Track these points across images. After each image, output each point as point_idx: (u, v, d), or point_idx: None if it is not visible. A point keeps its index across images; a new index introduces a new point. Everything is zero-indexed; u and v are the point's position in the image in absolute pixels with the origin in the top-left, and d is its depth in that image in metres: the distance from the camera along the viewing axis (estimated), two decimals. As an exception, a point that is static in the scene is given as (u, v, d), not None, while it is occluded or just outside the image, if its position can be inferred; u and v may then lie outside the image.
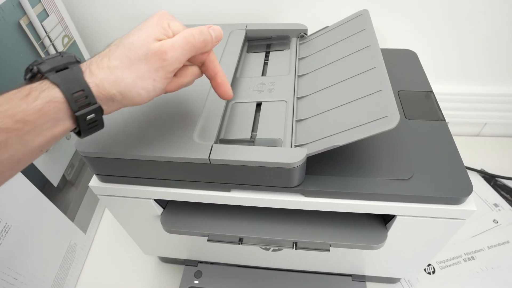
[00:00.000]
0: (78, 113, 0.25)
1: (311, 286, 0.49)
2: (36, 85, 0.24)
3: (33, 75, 0.26)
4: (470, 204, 0.33)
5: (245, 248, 0.45)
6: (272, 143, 0.34)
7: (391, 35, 0.59)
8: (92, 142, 0.34)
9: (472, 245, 0.55)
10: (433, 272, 0.53)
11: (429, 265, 0.53)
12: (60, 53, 0.27)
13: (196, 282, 0.50)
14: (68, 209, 0.53)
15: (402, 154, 0.36)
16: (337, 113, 0.34)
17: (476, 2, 0.54)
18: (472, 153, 0.68)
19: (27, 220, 0.45)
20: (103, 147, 0.33)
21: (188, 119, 0.36)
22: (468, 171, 0.38)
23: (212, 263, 0.52)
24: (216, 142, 0.33)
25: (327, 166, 0.35)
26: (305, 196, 0.34)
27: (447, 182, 0.33)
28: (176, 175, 0.34)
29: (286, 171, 0.31)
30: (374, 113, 0.30)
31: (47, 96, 0.24)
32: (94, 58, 0.27)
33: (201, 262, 0.52)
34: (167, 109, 0.37)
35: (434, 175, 0.34)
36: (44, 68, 0.25)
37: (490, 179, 0.64)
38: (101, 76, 0.26)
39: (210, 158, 0.31)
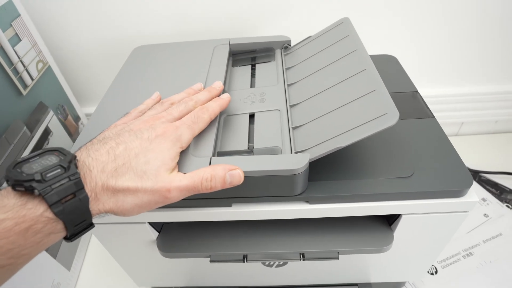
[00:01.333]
0: (72, 234, 0.24)
1: (318, 300, 0.47)
2: (34, 216, 0.22)
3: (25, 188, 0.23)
4: (471, 195, 0.33)
5: (247, 266, 0.43)
6: (271, 151, 0.33)
7: (370, 42, 0.61)
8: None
9: (468, 241, 0.56)
10: (436, 272, 0.52)
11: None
12: (63, 166, 0.23)
13: (196, 309, 0.47)
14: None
15: (400, 153, 0.36)
16: (334, 117, 0.33)
17: (449, 4, 0.57)
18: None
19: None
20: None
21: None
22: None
23: (212, 287, 0.49)
24: (214, 155, 0.32)
25: (328, 171, 0.34)
26: (310, 203, 0.33)
27: (447, 176, 0.33)
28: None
29: (290, 178, 0.30)
30: (372, 112, 0.30)
31: (48, 230, 0.23)
32: (96, 165, 0.25)
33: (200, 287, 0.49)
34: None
35: (434, 170, 0.34)
36: (51, 200, 0.22)
37: (475, 175, 0.66)
38: (104, 202, 0.25)
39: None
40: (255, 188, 0.32)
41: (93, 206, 0.25)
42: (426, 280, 0.52)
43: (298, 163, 0.30)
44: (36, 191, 0.22)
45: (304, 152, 0.32)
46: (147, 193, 0.26)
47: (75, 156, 0.25)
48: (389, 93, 0.44)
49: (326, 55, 0.42)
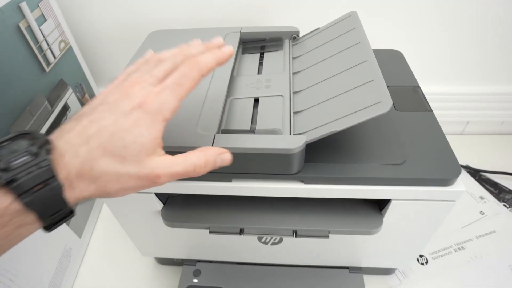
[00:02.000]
0: (48, 225, 0.23)
1: (310, 280, 0.50)
2: (1, 207, 0.20)
3: None
4: (459, 185, 0.35)
5: (244, 242, 0.45)
6: (272, 132, 0.35)
7: (378, 37, 0.62)
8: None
9: (461, 235, 0.57)
10: (426, 263, 0.54)
11: (421, 256, 0.55)
12: (32, 152, 0.21)
13: (195, 280, 0.50)
14: (64, 212, 0.53)
15: (394, 141, 0.38)
16: (333, 103, 0.36)
17: (458, 4, 0.58)
18: (457, 150, 0.70)
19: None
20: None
21: (191, 113, 0.37)
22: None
23: (210, 261, 0.52)
24: (218, 133, 0.35)
25: (324, 155, 0.37)
26: (304, 183, 0.36)
27: (437, 165, 0.35)
28: (179, 166, 0.35)
29: (287, 157, 0.33)
30: (368, 100, 0.32)
31: (18, 222, 0.21)
32: (69, 149, 0.22)
33: (199, 261, 0.52)
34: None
35: (425, 159, 0.36)
36: (17, 190, 0.20)
37: (475, 173, 0.67)
38: (82, 189, 0.23)
39: (213, 146, 0.32)
40: (255, 165, 0.34)
41: (70, 194, 0.22)
42: (416, 270, 0.54)
43: (295, 143, 0.32)
44: (1, 181, 0.20)
45: (301, 135, 0.34)
46: (132, 179, 0.24)
47: (48, 140, 0.22)
48: (391, 86, 0.46)
49: (331, 47, 0.44)
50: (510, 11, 0.58)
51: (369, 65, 0.37)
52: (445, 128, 0.76)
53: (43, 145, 0.21)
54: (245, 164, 0.34)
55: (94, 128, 0.23)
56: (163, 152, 0.26)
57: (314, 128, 0.34)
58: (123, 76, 0.28)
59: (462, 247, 0.56)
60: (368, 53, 0.38)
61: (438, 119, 0.41)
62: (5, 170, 0.20)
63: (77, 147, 0.22)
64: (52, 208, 0.22)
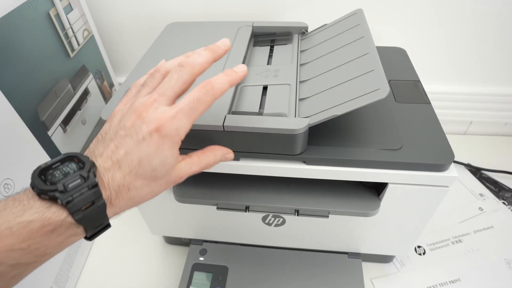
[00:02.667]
0: (91, 235, 0.26)
1: (310, 262, 0.52)
2: (58, 220, 0.23)
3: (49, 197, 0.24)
4: (452, 171, 0.37)
5: (248, 222, 0.48)
6: (278, 115, 0.38)
7: (384, 35, 0.65)
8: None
9: (459, 229, 0.59)
10: (424, 253, 0.56)
11: (420, 247, 0.57)
12: (82, 176, 0.24)
13: (201, 259, 0.53)
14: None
15: (393, 129, 0.40)
16: (335, 91, 0.38)
17: (465, 4, 0.60)
18: (460, 149, 0.72)
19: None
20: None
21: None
22: (455, 164, 0.42)
23: (216, 242, 0.55)
24: (229, 113, 0.38)
25: (327, 139, 0.39)
26: (307, 164, 0.38)
27: (432, 151, 0.37)
28: (192, 143, 0.38)
29: (291, 138, 0.36)
30: (367, 87, 0.35)
31: (70, 233, 0.25)
32: (106, 174, 0.26)
33: (205, 241, 0.55)
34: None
35: (420, 146, 0.38)
36: (73, 208, 0.24)
37: (476, 172, 0.69)
38: (121, 206, 0.27)
39: (224, 125, 0.35)
40: (261, 145, 0.37)
41: (110, 210, 0.26)
42: (414, 259, 0.56)
43: (298, 124, 0.35)
44: (59, 201, 0.23)
45: (305, 118, 0.37)
46: (162, 187, 0.29)
47: (94, 164, 0.26)
48: (393, 80, 0.49)
49: (337, 41, 0.46)
50: (515, 14, 0.60)
51: (370, 57, 0.39)
52: (448, 128, 0.79)
53: (91, 169, 0.25)
54: (252, 144, 0.37)
55: (121, 153, 0.27)
56: (181, 157, 0.31)
57: (317, 113, 0.37)
58: (135, 90, 0.32)
59: (460, 240, 0.57)
60: (370, 46, 0.41)
61: (441, 118, 0.43)
62: (63, 192, 0.24)
63: (112, 172, 0.26)
64: (96, 222, 0.26)
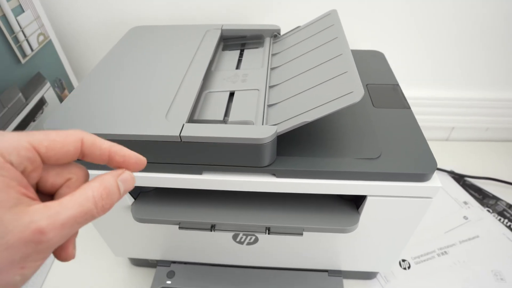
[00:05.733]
0: None
1: (288, 282, 0.48)
2: None
3: None
4: (435, 181, 0.34)
5: (218, 242, 0.44)
6: (244, 123, 0.34)
7: (361, 39, 0.62)
8: (63, 120, 0.34)
9: (444, 240, 0.56)
10: (409, 268, 0.53)
11: (404, 260, 0.54)
12: None
13: (169, 282, 0.48)
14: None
15: (370, 137, 0.37)
16: (307, 95, 0.35)
17: (445, 6, 0.58)
18: (442, 156, 0.70)
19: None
20: (73, 126, 0.33)
21: (161, 103, 0.36)
22: (438, 172, 0.39)
23: (185, 263, 0.50)
24: (188, 122, 0.33)
25: (298, 149, 0.36)
26: (276, 176, 0.35)
27: (413, 160, 0.34)
28: (147, 156, 0.34)
29: (257, 148, 0.32)
30: (340, 90, 0.32)
31: None
32: None
33: (174, 262, 0.50)
34: (140, 92, 0.37)
35: (401, 154, 0.35)
36: None
37: (460, 179, 0.66)
38: None
39: (181, 135, 0.31)
40: (225, 156, 0.33)
41: None
42: (399, 274, 0.52)
43: (265, 133, 0.31)
44: None
45: (273, 126, 0.33)
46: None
47: None
48: (370, 84, 0.46)
49: (310, 42, 0.43)
50: (496, 16, 0.58)
51: (344, 58, 0.36)
52: (430, 134, 0.76)
53: None
54: (216, 156, 0.33)
55: None
56: (37, 199, 0.19)
57: (286, 120, 0.33)
58: None
59: (445, 252, 0.54)
60: (344, 47, 0.37)
61: (422, 124, 0.40)
62: None
63: None
64: None
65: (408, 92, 0.66)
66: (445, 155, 0.71)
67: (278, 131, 0.32)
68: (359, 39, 0.63)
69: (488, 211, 0.60)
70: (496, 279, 0.51)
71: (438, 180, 0.34)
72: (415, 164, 0.34)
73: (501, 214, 0.60)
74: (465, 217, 0.59)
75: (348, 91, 0.31)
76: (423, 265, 0.53)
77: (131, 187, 0.22)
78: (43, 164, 0.20)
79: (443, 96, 0.69)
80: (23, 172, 0.19)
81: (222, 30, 0.51)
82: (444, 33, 0.61)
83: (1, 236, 0.16)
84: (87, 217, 0.19)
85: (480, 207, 0.61)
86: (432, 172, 0.34)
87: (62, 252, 0.20)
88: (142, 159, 0.23)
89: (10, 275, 0.17)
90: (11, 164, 0.18)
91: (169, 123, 0.33)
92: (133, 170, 0.23)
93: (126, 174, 0.22)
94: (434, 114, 0.71)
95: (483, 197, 0.63)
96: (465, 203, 0.62)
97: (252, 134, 0.31)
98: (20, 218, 0.17)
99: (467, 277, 0.51)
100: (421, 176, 0.34)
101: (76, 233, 0.21)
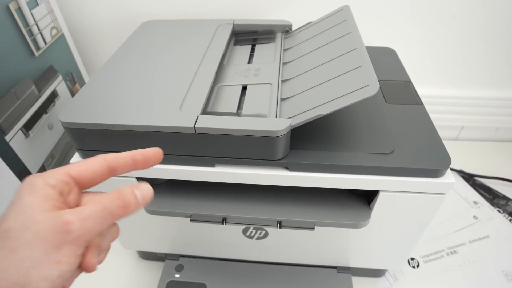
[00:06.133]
0: None
1: (297, 278, 0.48)
2: None
3: None
4: (449, 177, 0.34)
5: (228, 235, 0.44)
6: (257, 116, 0.34)
7: (372, 35, 0.62)
8: (77, 112, 0.34)
9: (454, 240, 0.56)
10: (417, 266, 0.53)
11: (413, 259, 0.53)
12: None
13: (177, 275, 0.48)
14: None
15: (383, 132, 0.37)
16: (321, 89, 0.35)
17: (457, 5, 0.58)
18: (452, 155, 0.69)
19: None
20: (88, 117, 0.33)
21: (175, 95, 0.36)
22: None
23: (194, 257, 0.51)
24: (202, 114, 0.34)
25: (311, 142, 0.36)
26: (290, 170, 0.35)
27: (426, 155, 0.34)
28: (161, 147, 0.34)
29: (271, 141, 0.32)
30: (355, 84, 0.32)
31: None
32: None
33: (182, 256, 0.51)
34: (153, 85, 0.38)
35: (414, 150, 0.35)
36: None
37: (469, 178, 0.66)
38: None
39: (195, 127, 0.31)
40: (238, 149, 0.33)
41: None
42: (407, 272, 0.52)
43: (279, 125, 0.31)
44: None
45: (287, 119, 0.33)
46: (33, 243, 0.19)
47: None
48: (382, 80, 0.46)
49: (322, 38, 0.43)
50: (509, 15, 0.58)
51: (358, 52, 0.36)
52: (439, 133, 0.75)
53: None
54: (229, 148, 0.33)
55: None
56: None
57: (300, 113, 0.33)
58: None
59: (455, 251, 0.54)
60: (358, 42, 0.37)
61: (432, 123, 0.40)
62: None
63: None
64: None
65: (418, 90, 0.66)
66: (454, 155, 0.70)
67: (292, 124, 0.32)
68: (368, 35, 0.62)
69: (499, 211, 0.60)
70: (507, 279, 0.50)
71: (452, 176, 0.34)
72: (429, 160, 0.34)
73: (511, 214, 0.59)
74: (475, 217, 0.59)
75: (363, 84, 0.31)
76: (432, 264, 0.53)
77: (148, 197, 0.24)
78: (79, 188, 0.23)
79: (453, 95, 0.68)
80: (60, 194, 0.22)
81: (233, 25, 0.51)
82: (455, 32, 0.61)
83: (36, 231, 0.19)
84: (107, 212, 0.22)
85: (490, 207, 0.60)
86: (446, 168, 0.34)
87: (83, 260, 0.23)
88: (158, 150, 0.26)
89: (47, 268, 0.19)
90: (50, 186, 0.22)
91: (183, 115, 0.33)
92: (154, 161, 0.26)
93: (143, 185, 0.24)
94: (443, 113, 0.70)
95: (493, 197, 0.62)
96: (475, 202, 0.61)
97: (267, 126, 0.31)
98: (52, 216, 0.20)
99: (477, 277, 0.51)
100: (435, 172, 0.34)
101: (98, 246, 0.24)
